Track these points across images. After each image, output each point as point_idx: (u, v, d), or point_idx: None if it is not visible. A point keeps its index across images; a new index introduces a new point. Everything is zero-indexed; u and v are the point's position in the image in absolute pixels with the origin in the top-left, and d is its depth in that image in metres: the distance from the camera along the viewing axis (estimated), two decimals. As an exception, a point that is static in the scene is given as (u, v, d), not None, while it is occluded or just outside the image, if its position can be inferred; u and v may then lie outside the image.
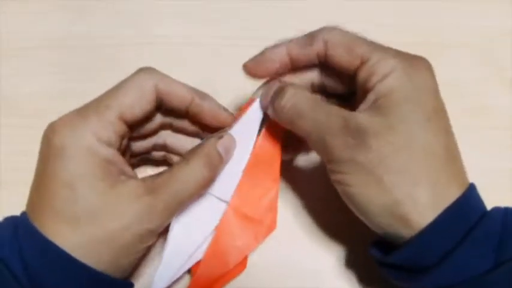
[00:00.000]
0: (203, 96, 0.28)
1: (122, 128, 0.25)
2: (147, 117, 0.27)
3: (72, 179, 0.23)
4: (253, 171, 0.28)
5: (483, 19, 0.39)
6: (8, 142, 0.34)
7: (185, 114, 0.28)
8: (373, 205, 0.23)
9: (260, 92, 0.29)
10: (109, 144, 0.24)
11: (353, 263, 0.30)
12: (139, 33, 0.38)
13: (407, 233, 0.22)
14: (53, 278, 0.22)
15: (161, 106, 0.28)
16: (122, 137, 0.25)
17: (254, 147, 0.28)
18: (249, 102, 0.29)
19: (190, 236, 0.27)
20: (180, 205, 0.25)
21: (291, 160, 0.32)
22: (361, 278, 0.30)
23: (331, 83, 0.29)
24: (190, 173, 0.25)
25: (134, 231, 0.23)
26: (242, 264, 0.29)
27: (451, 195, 0.22)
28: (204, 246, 0.28)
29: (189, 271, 0.29)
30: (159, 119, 0.29)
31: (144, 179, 0.25)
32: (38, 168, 0.24)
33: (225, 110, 0.28)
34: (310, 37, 0.27)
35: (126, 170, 0.25)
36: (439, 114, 0.24)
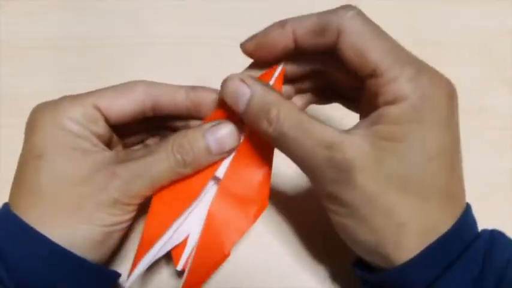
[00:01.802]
0: (195, 87, 0.27)
1: (94, 114, 0.25)
2: (134, 118, 0.27)
3: (40, 150, 0.23)
4: (247, 148, 0.26)
5: (483, 19, 0.39)
6: (8, 142, 0.34)
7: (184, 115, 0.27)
8: (356, 239, 0.22)
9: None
10: (78, 123, 0.24)
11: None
12: (140, 33, 0.38)
13: (387, 266, 0.22)
14: (16, 250, 0.22)
15: (156, 112, 0.27)
16: (94, 122, 0.25)
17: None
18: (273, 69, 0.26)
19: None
20: (151, 182, 0.23)
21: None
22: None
23: (338, 78, 0.26)
24: (157, 162, 0.23)
25: (96, 199, 0.22)
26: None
27: (439, 231, 0.21)
28: (186, 228, 0.26)
29: (168, 256, 0.27)
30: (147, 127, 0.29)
31: (118, 151, 0.25)
32: (21, 154, 0.25)
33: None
34: (324, 23, 0.22)
35: (100, 145, 0.25)
36: (445, 152, 0.21)
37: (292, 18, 0.23)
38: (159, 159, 0.23)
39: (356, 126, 0.23)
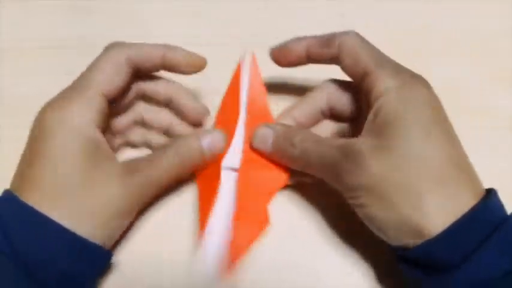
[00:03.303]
0: (173, 48, 0.29)
1: (104, 105, 0.27)
2: (125, 89, 0.29)
3: (56, 157, 0.24)
4: (252, 129, 0.29)
5: (483, 19, 0.39)
6: (8, 142, 0.34)
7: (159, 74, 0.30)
8: (385, 222, 0.24)
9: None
10: (92, 123, 0.25)
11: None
12: (139, 33, 0.39)
13: (420, 241, 0.23)
14: (33, 240, 0.23)
15: (136, 73, 0.29)
16: (105, 114, 0.27)
17: (246, 108, 0.30)
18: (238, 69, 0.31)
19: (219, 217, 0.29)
20: (157, 189, 0.27)
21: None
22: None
23: (342, 104, 0.30)
24: (163, 165, 0.27)
25: (111, 208, 0.25)
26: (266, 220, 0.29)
27: (463, 203, 0.23)
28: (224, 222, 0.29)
29: None
30: (134, 88, 0.30)
31: (124, 162, 0.26)
32: (25, 149, 0.26)
33: (197, 55, 0.30)
34: (329, 39, 0.28)
35: (108, 152, 0.26)
36: (440, 125, 0.24)
37: (307, 35, 0.29)
38: (161, 168, 0.27)
39: (364, 129, 0.26)
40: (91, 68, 0.27)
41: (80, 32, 0.38)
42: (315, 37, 0.29)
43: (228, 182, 0.29)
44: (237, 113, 0.31)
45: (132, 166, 0.26)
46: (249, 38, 0.38)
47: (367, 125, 0.26)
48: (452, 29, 0.39)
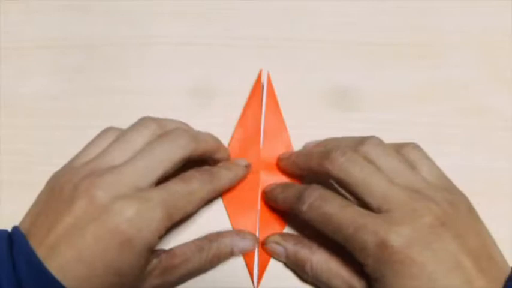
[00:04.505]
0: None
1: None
2: None
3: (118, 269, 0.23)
4: (269, 135, 0.32)
5: (483, 19, 0.39)
6: (8, 142, 0.34)
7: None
8: None
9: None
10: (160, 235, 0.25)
11: None
12: (139, 33, 0.39)
13: None
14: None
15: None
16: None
17: (264, 119, 0.33)
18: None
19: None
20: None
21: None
22: None
23: None
24: (195, 264, 0.28)
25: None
26: None
27: None
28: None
29: None
30: None
31: (160, 259, 0.27)
32: (73, 210, 0.23)
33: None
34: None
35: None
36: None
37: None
38: (193, 262, 0.28)
39: None
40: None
41: (80, 32, 0.38)
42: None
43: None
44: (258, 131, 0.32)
45: (166, 268, 0.27)
46: (249, 38, 0.38)
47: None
48: (452, 29, 0.39)
